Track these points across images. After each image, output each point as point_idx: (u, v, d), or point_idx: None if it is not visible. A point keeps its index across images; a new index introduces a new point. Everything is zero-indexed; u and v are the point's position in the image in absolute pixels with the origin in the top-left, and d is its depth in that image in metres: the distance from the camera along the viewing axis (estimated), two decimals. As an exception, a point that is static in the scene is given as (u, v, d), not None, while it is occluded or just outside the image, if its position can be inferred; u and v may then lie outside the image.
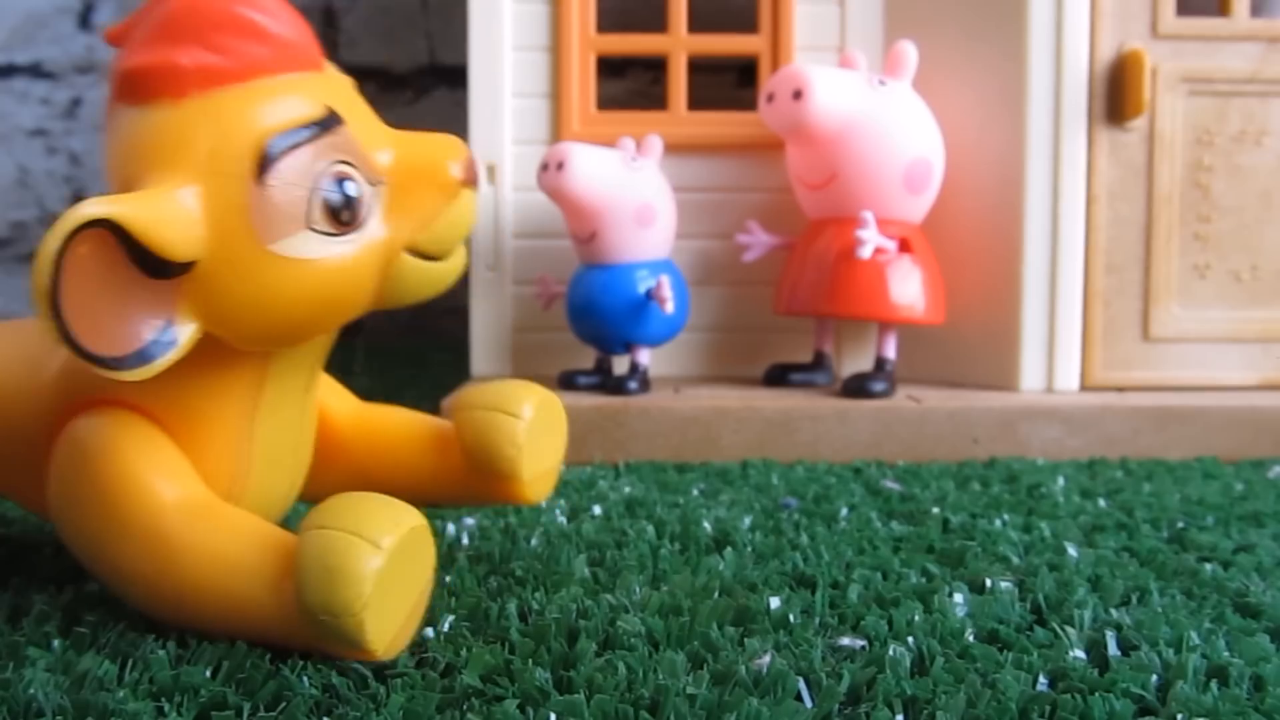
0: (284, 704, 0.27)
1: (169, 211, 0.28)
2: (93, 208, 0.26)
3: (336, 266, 0.30)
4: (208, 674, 0.28)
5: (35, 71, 1.03)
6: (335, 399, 0.40)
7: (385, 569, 0.27)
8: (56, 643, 0.30)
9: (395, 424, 0.40)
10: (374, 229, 0.31)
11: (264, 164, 0.29)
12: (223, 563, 0.30)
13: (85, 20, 1.03)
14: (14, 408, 0.35)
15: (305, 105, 0.29)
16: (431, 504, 0.39)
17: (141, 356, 0.28)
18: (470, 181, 0.32)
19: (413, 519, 0.29)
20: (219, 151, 0.28)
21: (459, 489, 0.38)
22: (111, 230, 0.27)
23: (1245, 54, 0.63)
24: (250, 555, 0.30)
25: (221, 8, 0.29)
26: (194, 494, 0.32)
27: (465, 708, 0.26)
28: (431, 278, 0.33)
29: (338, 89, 0.31)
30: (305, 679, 0.28)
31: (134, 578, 0.31)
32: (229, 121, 0.29)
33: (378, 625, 0.28)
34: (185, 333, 0.29)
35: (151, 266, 0.28)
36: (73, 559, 0.39)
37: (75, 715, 0.26)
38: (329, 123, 0.30)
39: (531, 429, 0.36)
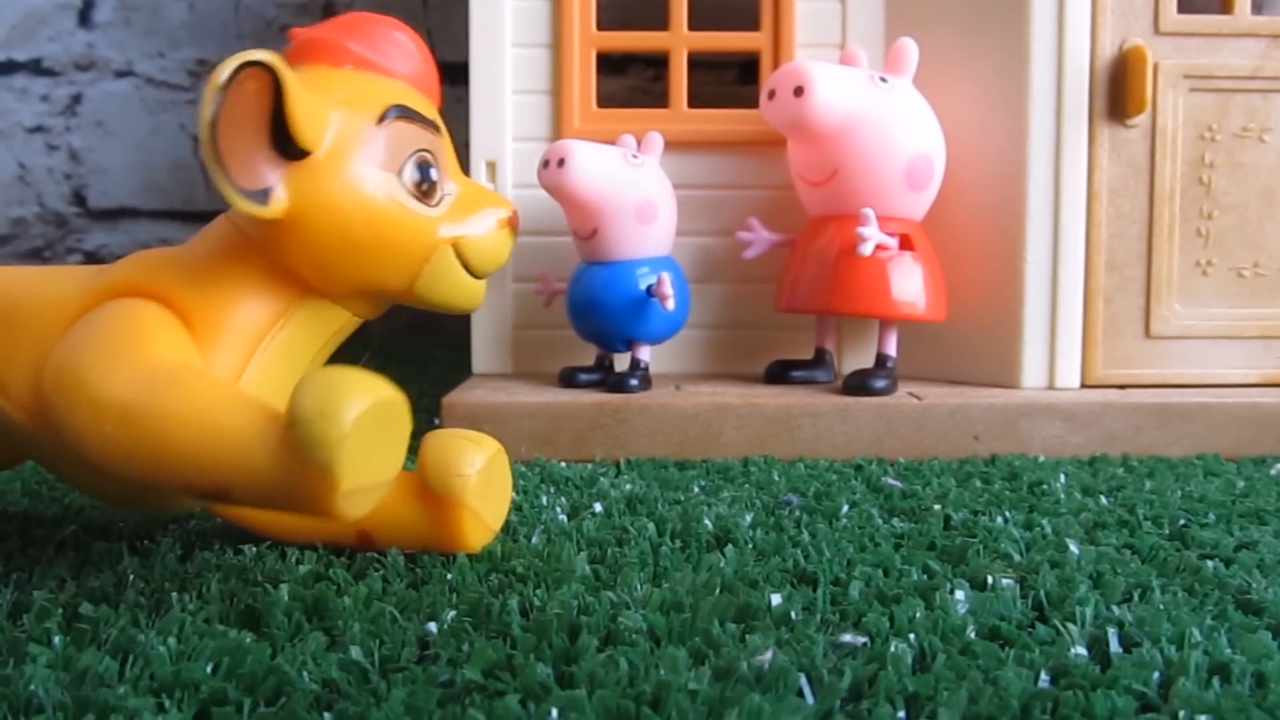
0: (284, 699, 0.27)
1: (314, 104, 0.34)
2: (268, 56, 0.32)
3: (404, 215, 0.36)
4: (208, 669, 0.28)
5: (35, 68, 1.03)
6: None
7: (375, 407, 0.28)
8: (57, 639, 0.30)
9: None
10: (440, 213, 0.37)
11: (384, 115, 0.36)
12: (212, 411, 0.30)
13: (85, 17, 1.03)
14: (46, 305, 0.37)
15: (422, 105, 0.38)
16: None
17: (264, 196, 0.33)
18: (514, 227, 0.39)
19: (402, 397, 0.30)
20: (357, 98, 0.36)
21: (405, 522, 0.39)
22: (271, 89, 0.32)
23: (1247, 51, 0.63)
24: (240, 408, 0.30)
25: (388, 25, 0.38)
26: (194, 364, 0.34)
27: (466, 703, 0.26)
28: (463, 284, 0.38)
29: (440, 121, 0.39)
30: (305, 674, 0.28)
31: (118, 415, 0.31)
32: (368, 85, 0.36)
33: (355, 455, 0.28)
34: (279, 200, 0.34)
35: (281, 139, 0.33)
36: (74, 555, 0.39)
37: (75, 711, 0.26)
38: (432, 125, 0.37)
39: (487, 467, 0.38)
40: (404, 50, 0.38)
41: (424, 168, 0.36)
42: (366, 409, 0.28)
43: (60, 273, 0.39)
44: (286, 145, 0.33)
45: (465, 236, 0.37)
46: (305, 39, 0.37)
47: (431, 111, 0.38)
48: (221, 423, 0.30)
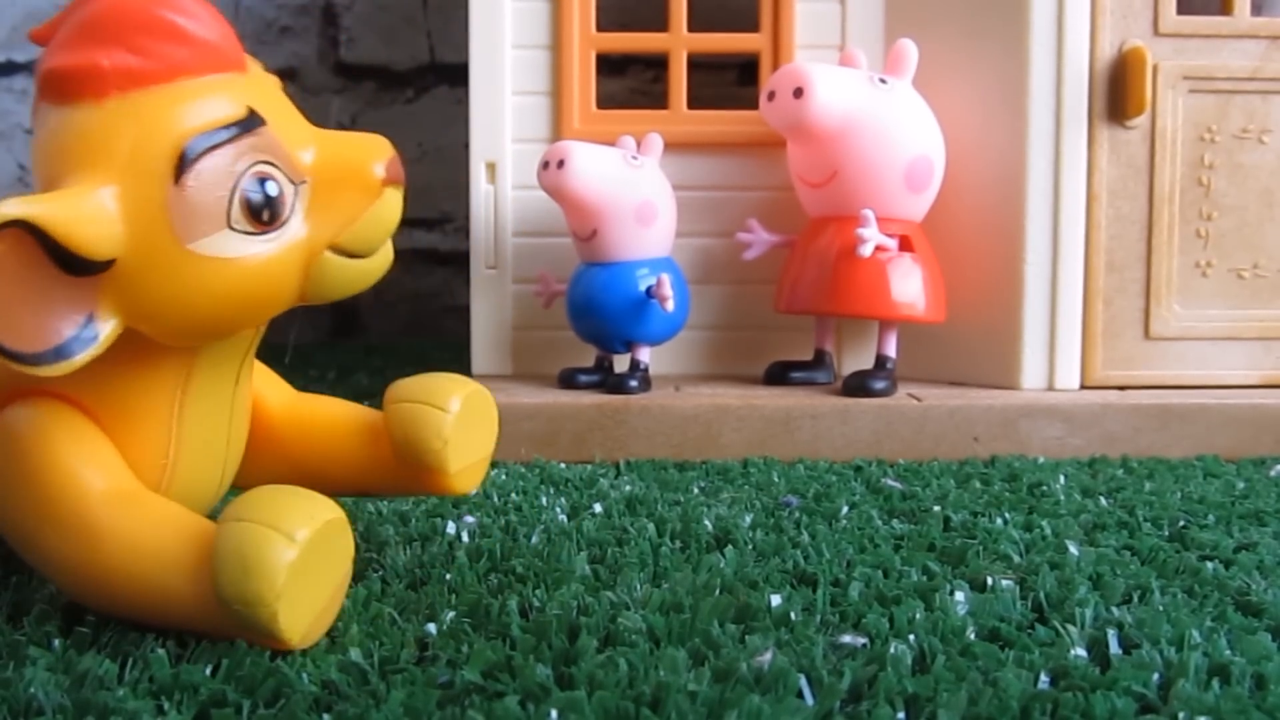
0: (283, 701, 0.27)
1: (88, 211, 0.28)
2: (9, 208, 0.27)
3: (257, 265, 0.30)
4: (207, 672, 0.28)
5: (36, 70, 1.03)
6: (270, 389, 0.41)
7: (299, 561, 0.28)
8: (57, 642, 0.30)
9: (328, 414, 0.40)
10: (296, 228, 0.31)
11: (183, 164, 0.29)
12: (145, 552, 0.30)
13: (85, 18, 1.03)
14: None
15: (226, 106, 0.30)
16: (364, 494, 0.40)
17: (60, 353, 0.28)
18: (394, 181, 0.32)
19: (329, 512, 0.30)
20: (139, 152, 0.29)
21: (390, 480, 0.39)
22: (30, 230, 0.27)
23: (1247, 52, 0.63)
24: (172, 545, 0.30)
25: (142, 9, 0.29)
26: (121, 483, 0.32)
27: (466, 704, 0.26)
28: (355, 275, 0.33)
29: (261, 89, 0.31)
30: (304, 675, 0.28)
31: (61, 565, 0.32)
32: (149, 122, 0.29)
33: (291, 616, 0.28)
34: (106, 329, 0.29)
35: (71, 264, 0.28)
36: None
37: (75, 714, 0.26)
38: (250, 123, 0.30)
39: (459, 422, 0.37)
40: (171, 33, 0.29)
41: (262, 185, 0.30)
42: (288, 576, 0.28)
43: None
44: (83, 267, 0.28)
45: (338, 234, 0.32)
46: (55, 70, 0.30)
47: (241, 95, 0.30)
48: (157, 570, 0.30)
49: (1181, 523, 0.44)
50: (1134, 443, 0.59)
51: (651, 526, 0.42)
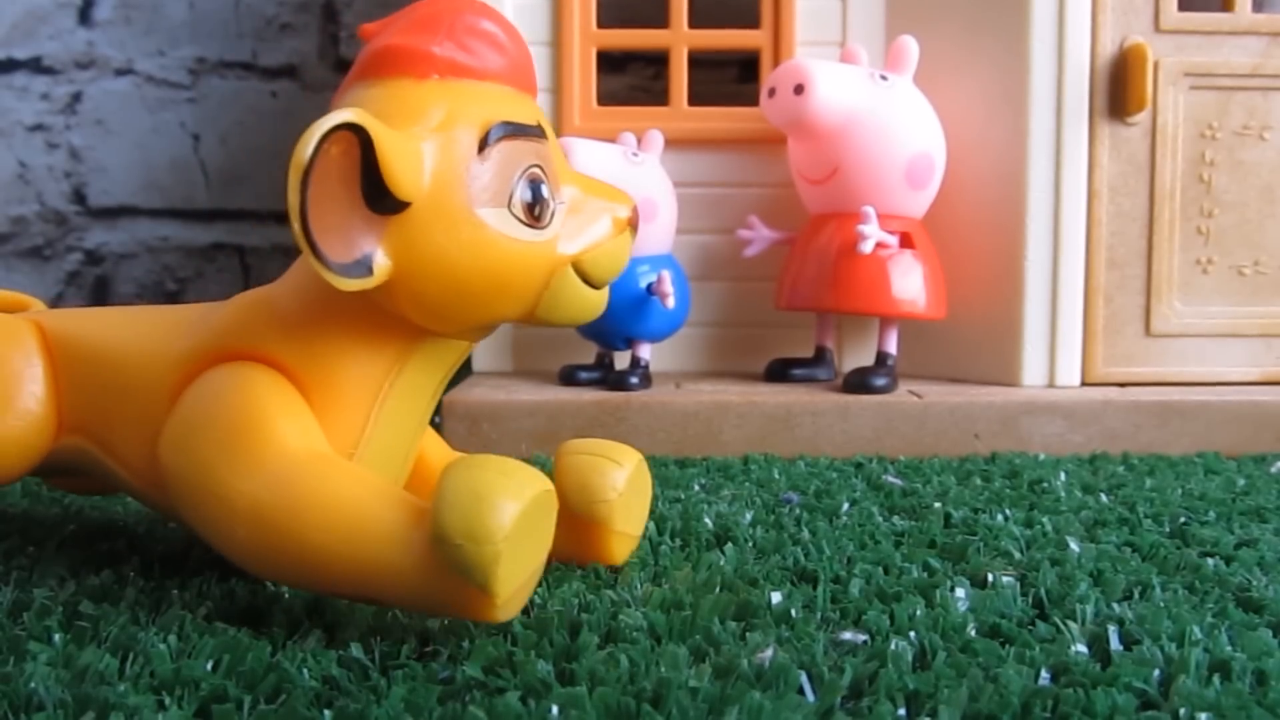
0: (284, 696, 0.27)
1: (409, 148, 0.30)
2: (354, 114, 0.28)
3: (521, 250, 0.32)
4: (208, 667, 0.28)
5: (35, 66, 1.03)
6: (431, 441, 0.41)
7: (526, 512, 0.28)
8: (57, 636, 0.30)
9: None
10: (554, 234, 0.33)
11: (486, 139, 0.32)
12: (347, 508, 0.29)
13: (85, 16, 1.03)
14: (148, 368, 0.36)
15: (523, 111, 0.33)
16: None
17: (365, 266, 0.30)
18: (634, 225, 0.35)
19: (547, 483, 0.29)
20: (452, 120, 0.31)
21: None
22: (359, 145, 0.29)
23: (1248, 48, 0.63)
24: (377, 505, 0.30)
25: (475, 17, 0.33)
26: (321, 447, 0.32)
27: (467, 700, 0.26)
28: (584, 300, 0.34)
29: (544, 118, 0.34)
30: (305, 671, 0.28)
31: (247, 514, 0.30)
32: (463, 100, 0.32)
33: (510, 566, 0.27)
34: (382, 266, 0.30)
35: (378, 195, 0.30)
36: (74, 554, 0.39)
37: (76, 709, 0.26)
38: (537, 132, 0.33)
39: (630, 482, 0.37)
40: (494, 43, 0.33)
41: (535, 186, 0.32)
42: (516, 521, 0.27)
43: (153, 326, 0.37)
44: (382, 200, 0.30)
45: (584, 252, 0.34)
46: (383, 49, 0.32)
47: (532, 111, 0.34)
48: (360, 530, 0.29)
49: (1182, 519, 0.44)
50: (1135, 439, 0.59)
51: (652, 524, 0.42)
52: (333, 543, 0.29)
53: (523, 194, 0.32)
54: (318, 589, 0.31)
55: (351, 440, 0.34)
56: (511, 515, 0.27)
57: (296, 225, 0.29)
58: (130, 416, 0.36)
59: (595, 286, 0.35)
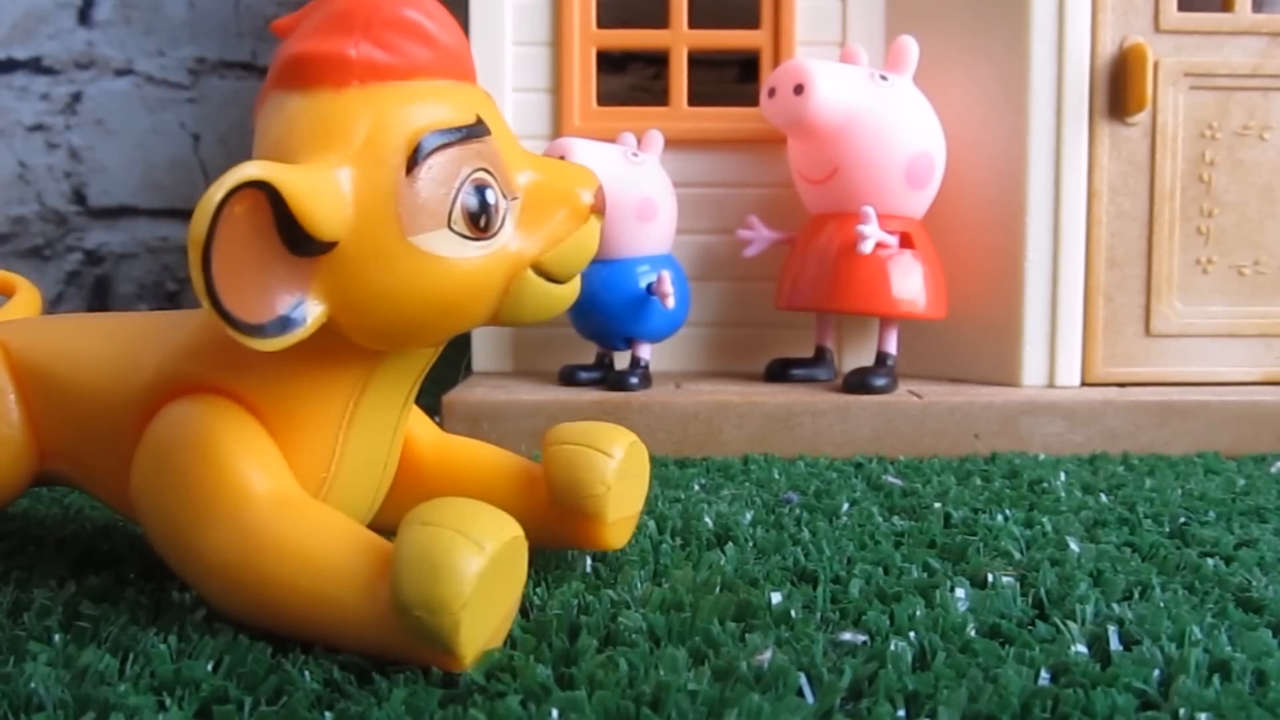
0: (285, 698, 0.27)
1: (323, 188, 0.28)
2: (254, 169, 0.27)
3: (469, 269, 0.30)
4: (209, 668, 0.28)
5: (35, 67, 1.03)
6: (419, 426, 0.40)
7: (486, 572, 0.27)
8: (57, 637, 0.30)
9: (480, 458, 0.39)
10: (506, 240, 0.31)
11: (415, 157, 0.29)
12: (312, 559, 0.29)
13: (85, 16, 1.03)
14: (111, 396, 0.35)
15: (458, 110, 0.30)
16: None
17: (285, 325, 0.28)
18: (599, 210, 0.33)
19: (514, 528, 0.28)
20: (375, 139, 0.29)
21: (540, 529, 0.36)
22: (267, 196, 0.27)
23: (1248, 48, 0.63)
24: (342, 554, 0.29)
25: (391, 8, 0.30)
26: (286, 488, 0.31)
27: (467, 704, 0.26)
28: (550, 298, 0.33)
29: (486, 104, 0.32)
30: (306, 673, 0.28)
31: (216, 568, 0.30)
32: (387, 113, 0.29)
33: (471, 629, 0.27)
34: (314, 313, 0.29)
35: (297, 240, 0.28)
36: (74, 554, 0.39)
37: (76, 709, 0.26)
38: (477, 131, 0.30)
39: (621, 470, 0.36)
40: (418, 34, 0.30)
41: (480, 192, 0.30)
42: (475, 586, 0.26)
43: (118, 346, 0.36)
44: (304, 245, 0.28)
45: (544, 251, 0.32)
46: (297, 56, 0.30)
47: (471, 103, 0.31)
48: (327, 580, 0.29)
49: (1182, 519, 0.44)
50: (1135, 439, 0.59)
51: (652, 524, 0.42)
52: (300, 595, 0.29)
53: (465, 203, 0.30)
54: (294, 636, 0.30)
55: (322, 465, 0.33)
56: (469, 582, 0.26)
57: (206, 302, 0.27)
58: (99, 449, 0.36)
59: (562, 281, 0.33)
